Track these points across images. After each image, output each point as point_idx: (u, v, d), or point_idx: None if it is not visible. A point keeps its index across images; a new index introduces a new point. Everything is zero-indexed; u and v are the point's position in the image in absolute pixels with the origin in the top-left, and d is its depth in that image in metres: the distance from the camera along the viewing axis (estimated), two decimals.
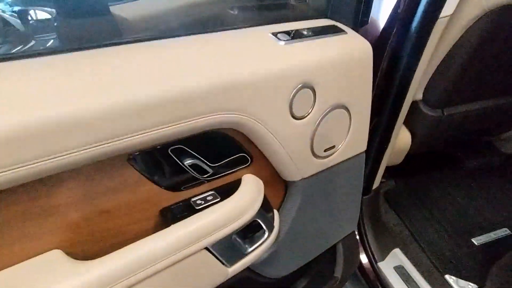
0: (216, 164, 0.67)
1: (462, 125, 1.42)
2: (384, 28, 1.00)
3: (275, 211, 0.84)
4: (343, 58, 0.72)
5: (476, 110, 1.38)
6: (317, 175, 0.84)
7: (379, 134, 1.18)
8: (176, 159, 0.60)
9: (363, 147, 0.92)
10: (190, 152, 0.61)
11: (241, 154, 0.70)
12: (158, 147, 0.56)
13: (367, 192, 1.46)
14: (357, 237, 1.42)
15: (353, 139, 0.85)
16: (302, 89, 0.67)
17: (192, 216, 0.62)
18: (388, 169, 1.45)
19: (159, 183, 0.60)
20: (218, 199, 0.67)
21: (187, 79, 0.54)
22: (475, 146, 1.89)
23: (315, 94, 0.70)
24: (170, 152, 0.58)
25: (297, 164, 0.77)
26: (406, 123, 1.27)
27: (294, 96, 0.66)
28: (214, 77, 0.56)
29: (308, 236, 0.92)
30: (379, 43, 0.99)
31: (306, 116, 0.71)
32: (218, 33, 0.69)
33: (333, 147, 0.82)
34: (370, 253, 1.36)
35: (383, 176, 1.46)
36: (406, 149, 1.43)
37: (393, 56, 0.98)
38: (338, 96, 0.74)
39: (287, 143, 0.71)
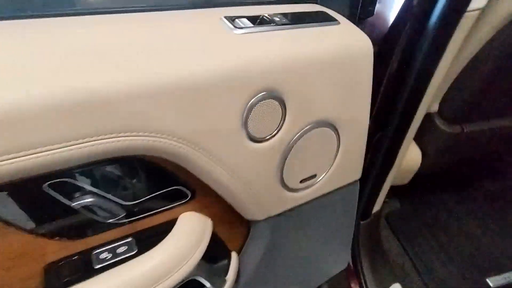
0: (132, 202, 0.46)
1: (484, 145, 1.18)
2: (394, 23, 0.77)
3: (234, 255, 0.63)
4: (330, 56, 0.50)
5: (502, 128, 1.14)
6: (291, 211, 0.63)
7: (384, 151, 0.96)
8: (59, 196, 0.39)
9: (357, 174, 0.70)
10: (82, 186, 0.40)
11: (174, 188, 0.49)
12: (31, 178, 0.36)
13: (365, 216, 1.23)
14: (352, 267, 1.21)
15: (342, 166, 0.64)
16: (265, 100, 0.46)
17: (86, 282, 0.41)
18: (393, 187, 1.22)
19: (36, 228, 0.40)
20: (134, 252, 0.46)
21: (65, 78, 0.33)
22: (495, 167, 1.64)
23: (284, 107, 0.48)
24: (47, 188, 0.38)
25: (260, 201, 0.56)
26: (417, 139, 1.08)
27: (251, 109, 0.45)
28: (115, 80, 0.35)
29: (279, 283, 0.71)
30: (386, 42, 0.77)
31: (271, 138, 0.50)
32: (152, 13, 0.47)
33: (314, 176, 0.60)
34: (365, 287, 1.16)
35: (387, 195, 1.23)
36: (414, 169, 1.20)
37: (403, 59, 0.75)
38: (320, 110, 0.53)
39: (242, 174, 0.50)
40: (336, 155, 0.62)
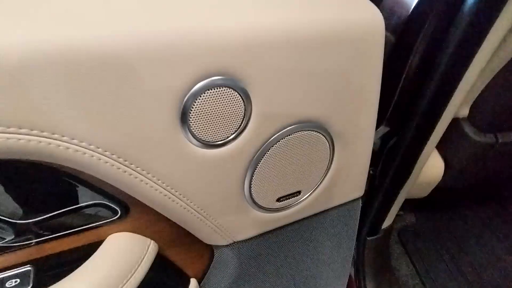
0: (26, 221, 0.32)
1: None
2: (416, 8, 0.60)
3: (194, 283, 0.49)
4: (322, 31, 0.35)
5: None
6: (266, 235, 0.48)
7: (399, 159, 0.80)
8: None
9: (358, 191, 0.54)
10: None
11: (95, 202, 0.36)
12: None
13: (373, 232, 1.07)
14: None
15: (336, 182, 0.49)
16: (217, 88, 0.31)
17: None
18: (408, 199, 1.07)
19: None
20: (28, 287, 0.33)
21: None
22: None
23: (248, 99, 0.33)
24: None
25: (219, 224, 0.42)
26: (440, 147, 0.93)
27: (193, 98, 0.30)
28: None
29: None
30: (407, 31, 0.61)
31: (229, 142, 0.35)
32: None
33: (297, 193, 0.45)
34: None
35: (401, 208, 1.08)
36: (435, 182, 1.03)
37: (428, 51, 0.59)
38: (304, 106, 0.38)
39: (189, 191, 0.37)
40: (328, 168, 0.46)
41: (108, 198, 0.37)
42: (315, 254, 0.60)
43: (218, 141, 0.35)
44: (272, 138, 0.38)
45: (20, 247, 0.35)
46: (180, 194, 0.37)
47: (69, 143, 0.28)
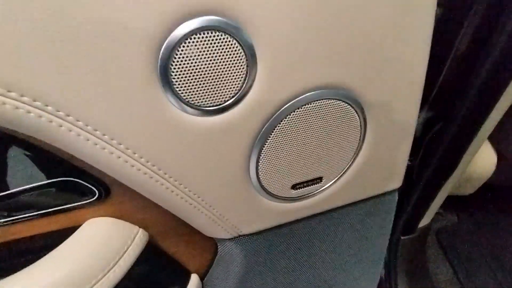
0: None
1: None
2: None
3: (195, 279, 0.43)
4: None
5: None
6: (279, 229, 0.40)
7: (443, 149, 0.68)
8: None
9: (395, 182, 0.45)
10: None
11: (64, 180, 0.29)
12: None
13: (409, 231, 0.97)
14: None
15: (368, 169, 0.39)
16: (209, 33, 0.23)
17: None
18: (450, 196, 0.94)
19: None
20: None
21: None
22: None
23: (251, 52, 0.25)
24: None
25: (218, 214, 0.34)
26: (493, 138, 0.79)
27: (175, 45, 0.22)
28: None
29: None
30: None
31: (227, 108, 0.27)
32: None
33: (318, 181, 0.37)
34: None
35: (441, 206, 0.95)
36: (484, 177, 0.90)
37: (483, 23, 0.47)
38: (329, 66, 0.29)
39: (177, 171, 0.29)
40: (358, 150, 0.37)
41: (84, 175, 0.31)
42: (339, 254, 0.51)
43: (212, 106, 0.27)
44: (284, 107, 0.30)
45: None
46: (166, 174, 0.29)
47: (42, 110, 0.21)
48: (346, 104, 0.33)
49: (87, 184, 0.31)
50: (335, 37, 0.28)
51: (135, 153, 0.27)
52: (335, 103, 0.32)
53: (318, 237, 0.46)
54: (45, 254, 0.31)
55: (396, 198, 0.50)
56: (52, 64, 0.22)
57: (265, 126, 0.30)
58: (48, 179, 0.30)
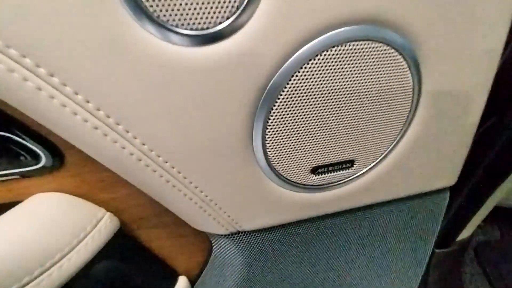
0: None
1: None
2: None
3: (183, 282, 0.34)
4: None
5: None
6: (292, 227, 0.31)
7: (496, 150, 0.56)
8: None
9: (449, 178, 0.34)
10: None
11: (4, 135, 0.21)
12: None
13: (444, 244, 0.85)
14: None
15: (418, 154, 0.28)
16: None
17: None
18: (496, 208, 0.80)
19: None
20: None
21: None
22: None
23: None
24: None
25: (210, 201, 0.24)
26: None
27: None
28: None
29: None
30: None
31: (221, 36, 0.17)
32: None
33: (347, 165, 0.26)
34: None
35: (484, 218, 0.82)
36: None
37: None
38: None
39: (152, 132, 0.20)
40: (406, 127, 0.27)
41: (25, 133, 0.22)
42: (370, 263, 0.40)
43: (199, 29, 0.17)
44: (306, 47, 0.20)
45: None
46: (138, 139, 0.20)
47: None
48: (398, 55, 0.22)
49: (31, 146, 0.23)
50: None
51: (88, 102, 0.18)
52: (382, 49, 0.22)
53: (343, 242, 0.36)
54: None
55: (447, 198, 0.39)
56: None
57: (276, 75, 0.21)
58: None
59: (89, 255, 0.26)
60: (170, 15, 0.17)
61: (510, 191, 0.72)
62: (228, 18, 0.18)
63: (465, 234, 0.85)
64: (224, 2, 0.17)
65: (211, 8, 0.17)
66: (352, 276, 0.41)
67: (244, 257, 0.32)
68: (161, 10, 0.17)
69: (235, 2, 0.17)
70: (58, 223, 0.24)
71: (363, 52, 0.22)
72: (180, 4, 0.17)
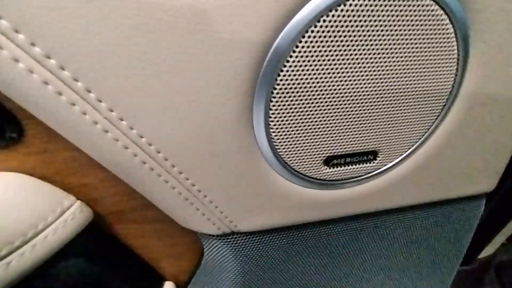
0: None
1: None
2: None
3: None
4: None
5: None
6: (300, 230, 0.25)
7: None
8: None
9: (488, 183, 0.28)
10: None
11: None
12: None
13: (466, 261, 0.78)
14: None
15: (456, 150, 0.23)
16: None
17: None
18: None
19: None
20: None
21: None
22: None
23: None
24: None
25: (198, 193, 0.20)
26: None
27: None
28: None
29: None
30: None
31: None
32: None
33: (371, 157, 0.21)
34: None
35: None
36: None
37: None
38: None
39: (129, 105, 0.15)
40: (445, 112, 0.21)
41: None
42: (387, 278, 0.34)
43: None
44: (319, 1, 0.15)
45: None
46: (122, 120, 0.16)
47: None
48: (448, 21, 0.17)
49: None
50: None
51: (59, 67, 0.14)
52: (429, 8, 0.17)
53: (357, 251, 0.30)
54: None
55: (483, 206, 0.33)
56: None
57: (279, 37, 0.16)
58: None
59: (49, 251, 0.21)
60: None
61: None
62: None
63: (487, 251, 0.80)
64: None
65: None
66: None
67: (239, 263, 0.27)
68: None
69: None
70: (10, 209, 0.20)
71: (401, 7, 0.17)
72: None
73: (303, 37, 0.16)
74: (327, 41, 0.17)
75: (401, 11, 0.17)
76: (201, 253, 0.30)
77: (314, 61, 0.17)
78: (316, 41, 0.16)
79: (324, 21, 0.16)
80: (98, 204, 0.24)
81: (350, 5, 0.16)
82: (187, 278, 0.32)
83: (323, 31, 0.16)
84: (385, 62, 0.18)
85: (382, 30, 0.17)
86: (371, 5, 0.16)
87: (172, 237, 0.29)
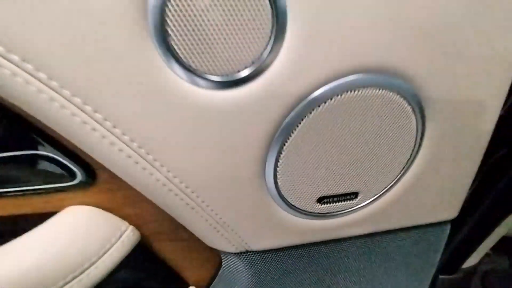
0: None
1: None
2: None
3: None
4: None
5: None
6: (297, 250, 0.33)
7: (504, 182, 0.56)
8: None
9: (450, 211, 0.36)
10: None
11: (43, 154, 0.24)
12: None
13: (449, 271, 0.84)
14: None
15: (421, 188, 0.30)
16: None
17: None
18: (505, 238, 0.79)
19: None
20: None
21: None
22: None
23: (281, 10, 0.18)
24: None
25: (223, 222, 0.27)
26: None
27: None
28: None
29: None
30: None
31: (242, 82, 0.20)
32: None
33: (352, 196, 0.29)
34: None
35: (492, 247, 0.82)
36: None
37: None
38: (380, 42, 0.21)
39: (175, 162, 0.23)
40: (409, 163, 0.29)
41: (65, 153, 0.25)
42: (372, 286, 0.42)
43: (220, 75, 0.20)
44: (318, 92, 0.23)
45: None
46: (162, 165, 0.23)
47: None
48: (402, 99, 0.25)
49: (68, 164, 0.26)
50: (398, 11, 0.21)
51: (124, 135, 0.21)
52: (387, 95, 0.24)
53: (345, 267, 0.38)
54: (6, 240, 0.26)
55: (448, 231, 0.40)
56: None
57: (290, 115, 0.23)
58: (21, 150, 0.24)
59: (113, 265, 0.29)
60: (200, 64, 0.20)
61: None
62: (248, 66, 0.21)
63: (472, 261, 0.85)
64: (247, 54, 0.20)
65: (233, 60, 0.20)
66: None
67: (250, 274, 0.34)
68: (192, 60, 0.20)
69: (256, 54, 0.20)
70: (87, 234, 0.27)
71: (371, 97, 0.24)
72: (209, 55, 0.20)
73: (305, 116, 0.24)
74: (322, 119, 0.24)
75: (372, 102, 0.24)
76: (219, 265, 0.37)
77: (311, 132, 0.25)
78: (315, 120, 0.24)
79: (318, 109, 0.24)
80: (144, 228, 0.32)
81: (336, 99, 0.23)
82: (206, 284, 0.40)
83: (319, 113, 0.24)
84: (362, 135, 0.26)
85: (359, 112, 0.25)
86: (351, 103, 0.24)
87: (197, 252, 0.36)
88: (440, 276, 0.81)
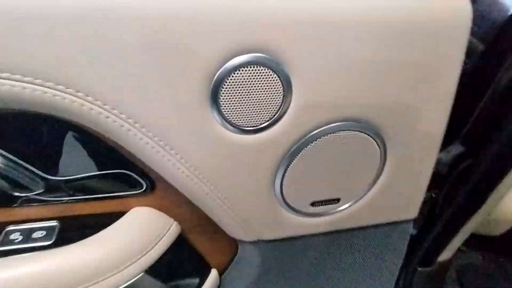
0: (57, 178, 0.33)
1: None
2: None
3: (214, 274, 0.48)
4: (386, 13, 0.30)
5: None
6: (294, 240, 0.44)
7: (470, 186, 0.68)
8: None
9: (410, 212, 0.47)
10: None
11: (121, 172, 0.35)
12: None
13: (426, 263, 0.95)
14: None
15: (384, 197, 0.43)
16: (254, 66, 0.28)
17: None
18: (476, 235, 0.91)
19: None
20: (50, 242, 0.34)
21: None
22: None
23: (288, 83, 0.30)
24: None
25: (244, 218, 0.39)
26: None
27: (226, 74, 0.28)
28: None
29: None
30: (502, 35, 0.51)
31: (262, 129, 0.32)
32: None
33: (335, 201, 0.41)
34: None
35: (466, 243, 0.92)
36: None
37: None
38: (355, 100, 0.33)
39: (213, 177, 0.35)
40: (376, 179, 0.41)
41: (136, 170, 0.37)
42: (350, 274, 0.54)
43: (250, 126, 0.32)
44: (311, 134, 0.34)
45: (50, 203, 0.36)
46: (204, 178, 0.34)
47: (90, 102, 0.27)
48: (369, 137, 0.37)
49: (137, 177, 0.37)
50: (363, 79, 0.32)
51: (182, 158, 0.33)
52: (359, 134, 0.36)
53: (331, 254, 0.50)
54: (95, 231, 0.37)
55: (411, 228, 0.52)
56: (124, 72, 0.28)
57: (293, 148, 0.35)
58: (107, 169, 0.36)
59: (160, 254, 0.40)
60: (235, 118, 0.31)
61: (485, 222, 0.84)
62: (267, 121, 0.32)
63: (446, 255, 0.95)
64: (267, 113, 0.32)
65: (258, 117, 0.32)
66: (338, 282, 0.55)
67: (260, 259, 0.46)
68: (231, 115, 0.31)
69: (273, 112, 0.32)
70: (145, 230, 0.39)
71: (349, 136, 0.36)
72: (242, 114, 0.31)
73: (302, 150, 0.36)
74: (314, 152, 0.36)
75: (349, 139, 0.36)
76: (235, 251, 0.49)
77: (306, 160, 0.36)
78: (308, 153, 0.36)
79: (312, 144, 0.35)
80: (183, 223, 0.43)
81: (323, 138, 0.35)
82: (224, 267, 0.51)
83: (312, 149, 0.36)
84: (343, 160, 0.37)
85: (339, 147, 0.36)
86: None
87: (219, 242, 0.48)
88: (419, 268, 0.93)
